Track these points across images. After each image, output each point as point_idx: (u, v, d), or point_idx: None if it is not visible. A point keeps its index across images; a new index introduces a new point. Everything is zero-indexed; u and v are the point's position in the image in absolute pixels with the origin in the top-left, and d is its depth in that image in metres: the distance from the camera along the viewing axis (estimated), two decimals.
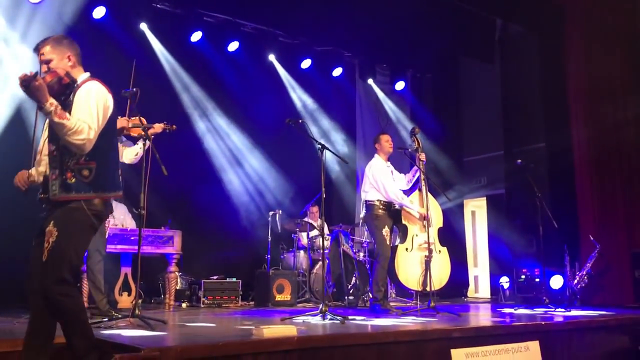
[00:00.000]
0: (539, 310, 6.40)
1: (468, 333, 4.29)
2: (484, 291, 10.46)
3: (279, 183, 9.01)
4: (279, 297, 7.07)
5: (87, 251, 5.04)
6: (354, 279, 7.29)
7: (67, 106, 2.96)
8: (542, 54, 9.19)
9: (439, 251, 6.42)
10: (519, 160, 7.02)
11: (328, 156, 6.18)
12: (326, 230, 8.26)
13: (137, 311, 4.31)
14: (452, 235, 9.66)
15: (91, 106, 2.97)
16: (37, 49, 3.13)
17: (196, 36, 8.37)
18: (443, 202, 7.10)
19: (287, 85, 9.52)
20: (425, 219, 6.24)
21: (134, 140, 5.15)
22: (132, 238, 6.19)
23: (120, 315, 4.68)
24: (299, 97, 9.59)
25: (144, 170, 4.40)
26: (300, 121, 5.59)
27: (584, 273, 7.58)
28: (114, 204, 7.06)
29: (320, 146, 5.28)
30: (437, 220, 6.52)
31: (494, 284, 9.48)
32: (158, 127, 5.05)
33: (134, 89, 4.75)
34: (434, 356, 4.01)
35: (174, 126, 5.25)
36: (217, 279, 7.12)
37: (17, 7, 6.87)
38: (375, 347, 3.76)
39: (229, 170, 8.76)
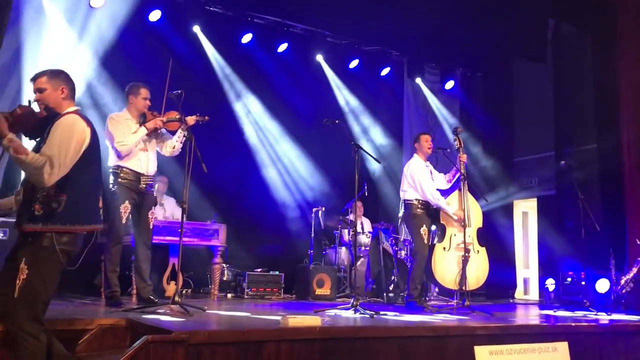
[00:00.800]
0: (579, 313, 6.33)
1: (492, 331, 4.34)
2: (534, 293, 10.34)
3: (319, 180, 9.16)
4: (318, 291, 7.26)
5: (134, 242, 5.37)
6: (393, 276, 7.40)
7: (46, 139, 3.04)
8: (594, 54, 8.98)
9: (477, 251, 6.45)
10: (562, 162, 6.96)
11: None
12: (369, 228, 8.41)
13: (177, 298, 4.52)
14: (496, 236, 9.61)
15: (60, 140, 2.99)
16: (34, 79, 3.22)
17: (247, 38, 8.61)
18: (488, 203, 7.06)
19: (334, 85, 9.61)
20: (462, 220, 6.28)
21: (174, 134, 5.45)
22: (179, 230, 6.48)
23: (160, 302, 4.95)
24: (344, 97, 9.67)
25: (186, 167, 4.66)
26: (337, 121, 5.77)
27: (630, 277, 7.40)
28: (165, 197, 7.51)
29: (355, 146, 5.42)
30: (476, 221, 6.53)
31: (542, 286, 9.36)
32: (191, 120, 5.33)
33: (179, 91, 5.01)
34: (456, 352, 4.07)
35: (207, 117, 5.51)
36: (260, 271, 7.38)
37: (76, 10, 7.15)
38: (396, 341, 3.86)
39: (269, 166, 8.97)
